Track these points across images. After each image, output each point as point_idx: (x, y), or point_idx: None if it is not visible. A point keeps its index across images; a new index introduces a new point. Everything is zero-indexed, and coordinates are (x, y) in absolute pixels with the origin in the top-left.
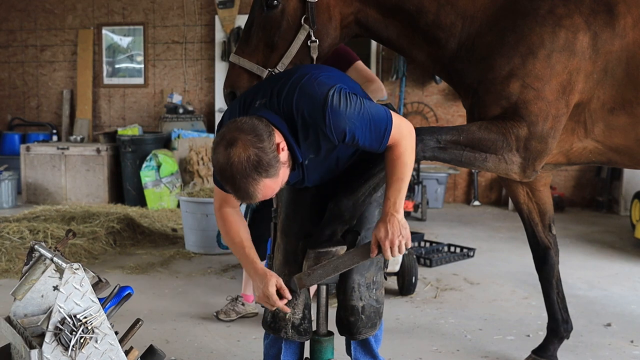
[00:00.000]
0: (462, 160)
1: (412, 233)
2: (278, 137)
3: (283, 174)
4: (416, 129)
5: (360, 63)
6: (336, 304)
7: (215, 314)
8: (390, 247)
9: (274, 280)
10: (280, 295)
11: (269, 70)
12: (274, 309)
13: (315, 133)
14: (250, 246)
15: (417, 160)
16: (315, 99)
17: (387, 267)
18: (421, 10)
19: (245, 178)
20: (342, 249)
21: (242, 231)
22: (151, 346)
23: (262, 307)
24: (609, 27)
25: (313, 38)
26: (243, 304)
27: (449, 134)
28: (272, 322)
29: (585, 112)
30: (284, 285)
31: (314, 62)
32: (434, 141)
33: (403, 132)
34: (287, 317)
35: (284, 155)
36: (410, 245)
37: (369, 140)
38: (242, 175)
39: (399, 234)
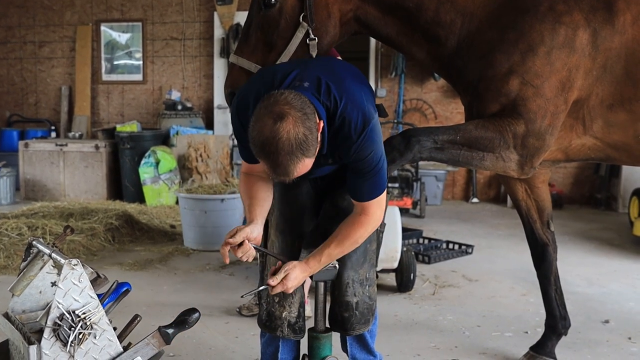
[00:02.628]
0: (460, 160)
1: (410, 230)
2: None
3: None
4: (413, 130)
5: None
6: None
7: (237, 309)
8: (275, 288)
9: (247, 231)
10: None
11: None
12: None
13: (337, 139)
14: (256, 199)
15: (414, 161)
16: (362, 116)
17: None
18: (421, 8)
19: (289, 155)
20: None
21: (259, 189)
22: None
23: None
24: (609, 24)
25: (312, 36)
26: None
27: (445, 134)
28: (268, 321)
29: (584, 109)
30: (254, 243)
31: None
32: (431, 142)
33: (380, 212)
34: (283, 315)
35: (320, 137)
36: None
37: (368, 181)
38: (286, 152)
39: (292, 285)
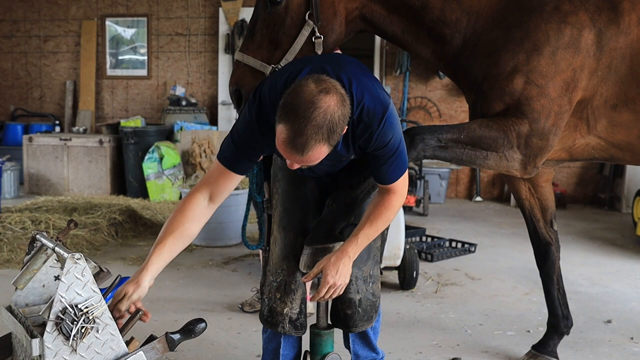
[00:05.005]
0: (463, 159)
1: (413, 228)
2: None
3: None
4: (417, 128)
5: None
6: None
7: (240, 305)
8: (327, 290)
9: (129, 292)
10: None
11: (272, 67)
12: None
13: (357, 130)
14: (165, 250)
15: (418, 160)
16: (379, 103)
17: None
18: (426, 6)
19: (316, 129)
20: (339, 245)
21: (187, 225)
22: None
23: (265, 301)
24: (614, 24)
25: (317, 34)
26: None
27: (449, 133)
28: (269, 317)
29: (588, 109)
30: (126, 307)
31: None
32: (435, 140)
33: (405, 187)
34: (284, 311)
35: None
36: (339, 293)
37: (392, 165)
38: (316, 124)
39: (344, 279)
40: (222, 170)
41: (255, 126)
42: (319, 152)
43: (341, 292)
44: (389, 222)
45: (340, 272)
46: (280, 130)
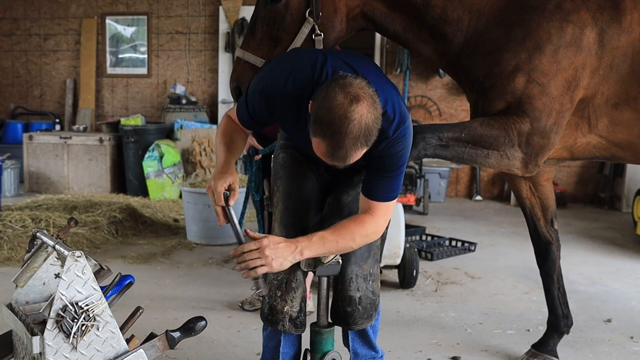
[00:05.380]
0: (464, 157)
1: (413, 227)
2: None
3: None
4: (418, 127)
5: None
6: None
7: (240, 303)
8: (251, 251)
9: (229, 180)
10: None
11: None
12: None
13: None
14: (232, 149)
15: (419, 158)
16: (400, 112)
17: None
18: (428, 4)
19: (354, 140)
20: None
21: (238, 136)
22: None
23: (266, 299)
24: (616, 22)
25: (318, 31)
26: None
27: (450, 131)
28: (270, 315)
29: (589, 108)
30: (234, 190)
31: None
32: (436, 139)
33: (386, 218)
34: (285, 310)
35: None
36: (254, 276)
37: (387, 180)
38: (353, 136)
39: (275, 263)
40: (234, 117)
41: (263, 94)
42: (359, 155)
43: (258, 273)
44: (353, 242)
45: (277, 253)
46: (318, 144)
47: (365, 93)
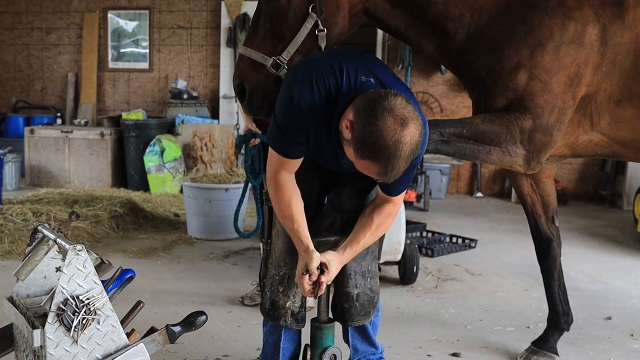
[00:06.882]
0: (466, 153)
1: (414, 223)
2: None
3: None
4: None
5: None
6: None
7: (240, 299)
8: (319, 284)
9: (317, 259)
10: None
11: (274, 58)
12: (307, 292)
13: None
14: (301, 221)
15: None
16: (422, 117)
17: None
18: (430, 1)
19: (405, 159)
20: (341, 239)
21: (294, 202)
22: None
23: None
24: (618, 19)
25: (320, 27)
26: None
27: (452, 127)
28: (271, 310)
29: (591, 105)
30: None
31: None
32: (438, 134)
33: (402, 197)
34: (287, 305)
35: None
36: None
37: (403, 180)
38: (405, 157)
39: (334, 275)
40: (280, 164)
41: (298, 112)
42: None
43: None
44: (379, 237)
45: (335, 270)
46: (368, 166)
47: (409, 112)
